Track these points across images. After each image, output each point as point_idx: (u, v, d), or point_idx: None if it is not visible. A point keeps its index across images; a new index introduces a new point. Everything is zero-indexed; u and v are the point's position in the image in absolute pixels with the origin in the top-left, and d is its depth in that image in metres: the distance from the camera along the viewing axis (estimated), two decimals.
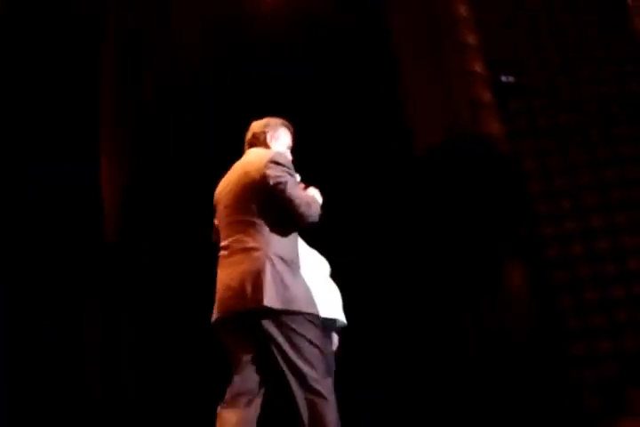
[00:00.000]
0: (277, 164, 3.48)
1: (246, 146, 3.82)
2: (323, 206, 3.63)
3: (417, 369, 5.84)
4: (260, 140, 3.75)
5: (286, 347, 3.29)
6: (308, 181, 4.23)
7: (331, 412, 3.27)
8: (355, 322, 4.34)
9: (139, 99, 6.63)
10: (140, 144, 6.47)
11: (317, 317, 3.40)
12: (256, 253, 3.35)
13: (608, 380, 6.17)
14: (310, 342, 3.32)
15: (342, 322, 4.25)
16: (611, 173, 6.84)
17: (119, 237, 5.95)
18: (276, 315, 3.29)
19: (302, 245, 4.06)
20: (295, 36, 6.82)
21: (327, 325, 4.02)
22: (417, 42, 6.61)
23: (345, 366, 4.25)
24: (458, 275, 6.07)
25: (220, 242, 3.58)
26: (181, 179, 6.31)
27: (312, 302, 3.40)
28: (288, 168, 3.51)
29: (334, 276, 4.40)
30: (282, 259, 3.36)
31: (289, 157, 3.75)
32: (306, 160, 4.18)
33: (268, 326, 3.30)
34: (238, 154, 3.83)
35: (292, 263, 3.41)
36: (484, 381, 5.77)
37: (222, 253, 3.52)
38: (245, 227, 3.43)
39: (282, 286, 3.30)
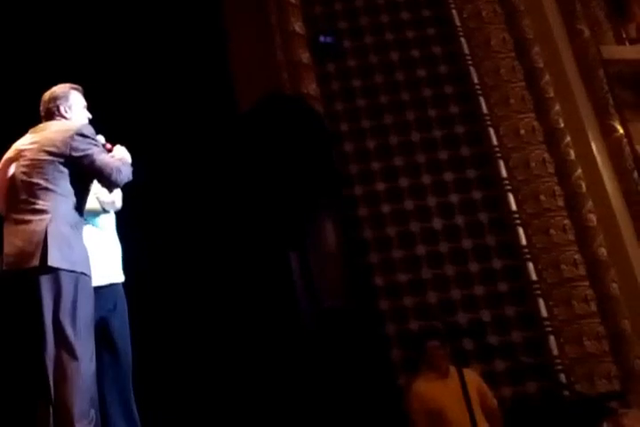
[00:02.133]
0: (83, 136, 3.63)
1: (44, 120, 3.86)
2: (139, 163, 3.82)
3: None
4: (56, 114, 3.84)
5: (59, 304, 3.37)
6: (129, 138, 4.16)
7: (83, 377, 3.34)
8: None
9: None
10: None
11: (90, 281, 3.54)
12: (44, 216, 3.48)
13: (411, 334, 6.48)
14: (82, 304, 3.42)
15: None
16: (418, 134, 7.10)
17: None
18: (58, 274, 3.39)
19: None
20: None
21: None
22: None
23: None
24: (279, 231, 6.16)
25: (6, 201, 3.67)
26: None
27: (89, 267, 3.55)
28: (93, 139, 3.68)
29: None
30: (68, 222, 3.53)
31: (89, 115, 3.93)
32: (132, 116, 4.07)
33: (48, 283, 3.38)
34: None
35: (76, 227, 3.58)
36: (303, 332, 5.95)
37: (10, 212, 3.61)
38: (38, 191, 3.55)
39: (66, 247, 3.45)
